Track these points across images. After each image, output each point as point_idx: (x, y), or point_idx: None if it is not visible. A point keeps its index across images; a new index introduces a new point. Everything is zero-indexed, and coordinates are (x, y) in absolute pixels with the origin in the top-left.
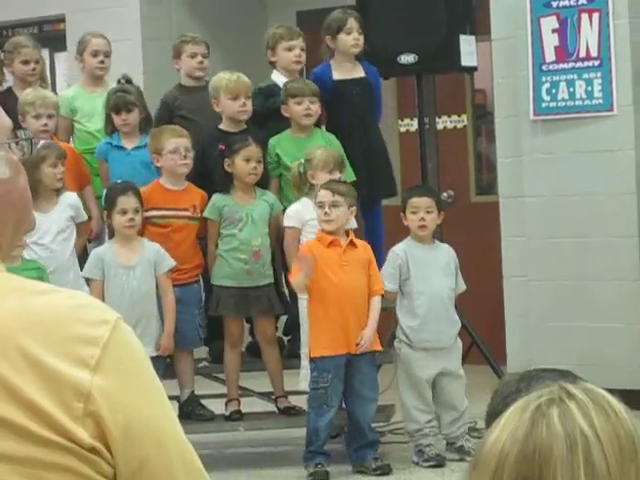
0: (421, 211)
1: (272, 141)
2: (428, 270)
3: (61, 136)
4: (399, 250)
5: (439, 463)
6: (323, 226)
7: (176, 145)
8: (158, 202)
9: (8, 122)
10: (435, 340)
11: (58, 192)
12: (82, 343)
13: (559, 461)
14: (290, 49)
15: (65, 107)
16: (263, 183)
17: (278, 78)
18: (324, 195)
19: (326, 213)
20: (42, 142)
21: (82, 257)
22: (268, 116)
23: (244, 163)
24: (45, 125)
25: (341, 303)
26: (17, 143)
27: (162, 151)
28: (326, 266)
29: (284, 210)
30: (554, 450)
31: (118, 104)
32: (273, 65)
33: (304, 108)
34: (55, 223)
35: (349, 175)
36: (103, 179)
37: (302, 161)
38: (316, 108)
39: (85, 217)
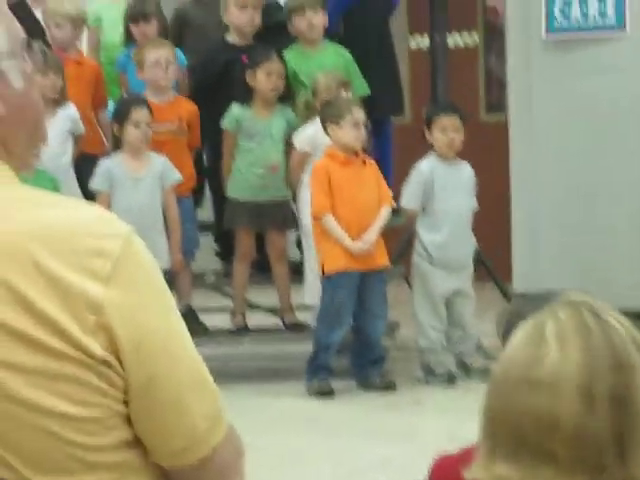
0: (450, 130)
1: (285, 57)
2: (452, 189)
3: (89, 47)
4: (425, 168)
5: (450, 379)
6: (357, 145)
7: (157, 57)
8: None
9: (21, 33)
10: (455, 258)
11: (56, 103)
12: (95, 256)
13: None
14: None
15: (91, 17)
16: (285, 98)
17: None
18: (361, 113)
19: (361, 132)
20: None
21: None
22: (267, 33)
23: (265, 78)
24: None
25: (356, 219)
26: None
27: (144, 64)
28: (343, 184)
29: None
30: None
31: (136, 14)
32: None
33: (306, 21)
34: (53, 135)
35: (363, 88)
36: (125, 91)
37: (309, 93)
38: (319, 19)
39: (82, 130)
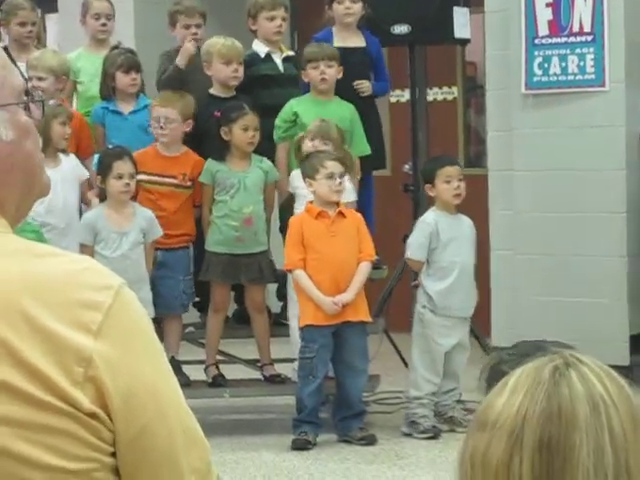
0: (455, 179)
1: (292, 101)
2: (457, 240)
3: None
4: (430, 219)
5: (435, 434)
6: (332, 197)
7: (157, 114)
8: (148, 167)
9: (18, 83)
10: (460, 309)
11: (62, 152)
12: (85, 308)
13: (584, 422)
14: (272, 19)
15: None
16: (260, 150)
17: (259, 47)
18: (335, 166)
19: (339, 184)
20: (52, 102)
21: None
22: (249, 85)
23: (242, 132)
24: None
25: (329, 274)
26: (29, 104)
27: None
28: (315, 237)
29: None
30: (579, 410)
31: (130, 63)
32: (254, 34)
33: (319, 73)
34: (61, 182)
35: (364, 149)
36: (99, 144)
37: (303, 134)
38: (332, 72)
39: (87, 175)
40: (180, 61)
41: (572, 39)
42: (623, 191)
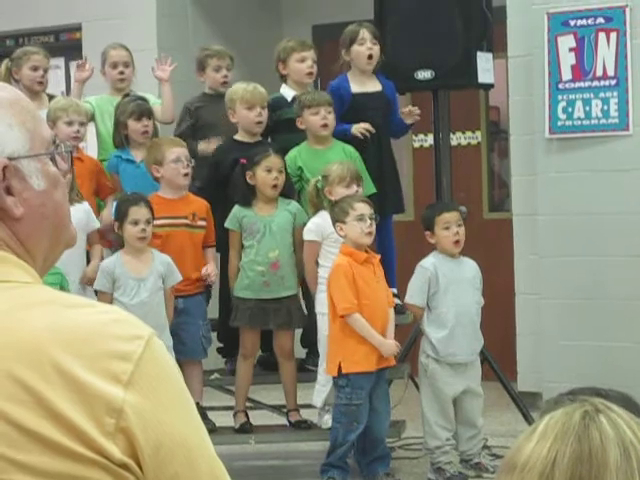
0: (454, 225)
1: (292, 154)
2: (457, 285)
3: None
4: (428, 264)
5: None
6: (364, 240)
7: (178, 154)
8: (156, 212)
9: (48, 133)
10: (462, 354)
11: (70, 199)
12: (116, 358)
13: (614, 465)
14: (302, 60)
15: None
16: (288, 193)
17: (287, 91)
18: (364, 208)
19: (370, 225)
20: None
21: None
22: (275, 129)
23: (266, 174)
24: (77, 132)
25: (379, 319)
26: (56, 155)
27: (163, 161)
28: (365, 283)
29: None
30: (610, 454)
31: (141, 110)
32: (284, 79)
33: (321, 118)
34: None
35: (369, 188)
36: (117, 192)
37: (319, 178)
38: (332, 118)
39: (97, 225)
40: (201, 148)
41: (596, 83)
42: None
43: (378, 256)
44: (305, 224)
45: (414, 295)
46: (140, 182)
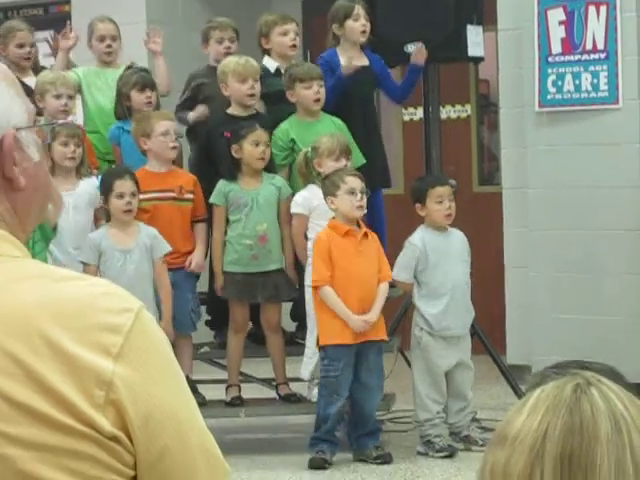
0: (446, 200)
1: (284, 126)
2: (447, 259)
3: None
4: (416, 240)
5: (452, 453)
6: (356, 213)
7: (166, 128)
8: (143, 186)
9: (32, 107)
10: (456, 327)
11: (78, 172)
12: (105, 331)
13: (605, 437)
14: (285, 33)
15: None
16: (270, 168)
17: (270, 63)
18: (355, 182)
19: (361, 199)
20: (59, 121)
21: None
22: (265, 102)
23: (252, 147)
24: (65, 105)
25: (356, 292)
26: (41, 128)
27: (152, 134)
28: (342, 255)
29: (293, 194)
30: (601, 426)
31: (145, 82)
32: (267, 52)
33: (314, 92)
34: (74, 205)
35: (358, 159)
36: (118, 163)
37: (309, 149)
38: (323, 92)
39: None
40: (191, 117)
41: (585, 57)
42: (637, 208)
43: (367, 230)
44: (289, 198)
45: (401, 271)
46: (141, 154)
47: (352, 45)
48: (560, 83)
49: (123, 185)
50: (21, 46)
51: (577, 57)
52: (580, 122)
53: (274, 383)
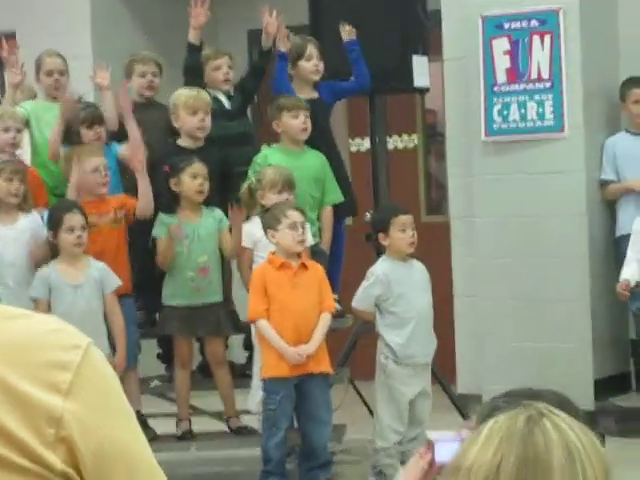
0: (409, 228)
1: (265, 151)
2: (410, 288)
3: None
4: (379, 271)
5: None
6: (297, 248)
7: (96, 164)
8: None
9: None
10: (420, 356)
11: (20, 207)
12: (55, 368)
13: (559, 467)
14: (217, 68)
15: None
16: (211, 201)
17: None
18: (296, 216)
19: (302, 234)
20: (1, 157)
21: None
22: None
23: (191, 180)
24: (14, 138)
25: (291, 324)
26: None
27: (84, 169)
28: (277, 288)
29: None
30: (554, 457)
31: (93, 117)
32: (204, 87)
33: (301, 122)
34: (12, 240)
35: (337, 196)
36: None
37: (253, 180)
38: (309, 123)
39: (44, 237)
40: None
41: (531, 86)
42: (585, 236)
43: (307, 262)
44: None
45: (361, 300)
46: None
47: (305, 83)
48: (506, 112)
49: (72, 219)
50: None
51: (522, 86)
52: (526, 151)
53: (225, 416)
